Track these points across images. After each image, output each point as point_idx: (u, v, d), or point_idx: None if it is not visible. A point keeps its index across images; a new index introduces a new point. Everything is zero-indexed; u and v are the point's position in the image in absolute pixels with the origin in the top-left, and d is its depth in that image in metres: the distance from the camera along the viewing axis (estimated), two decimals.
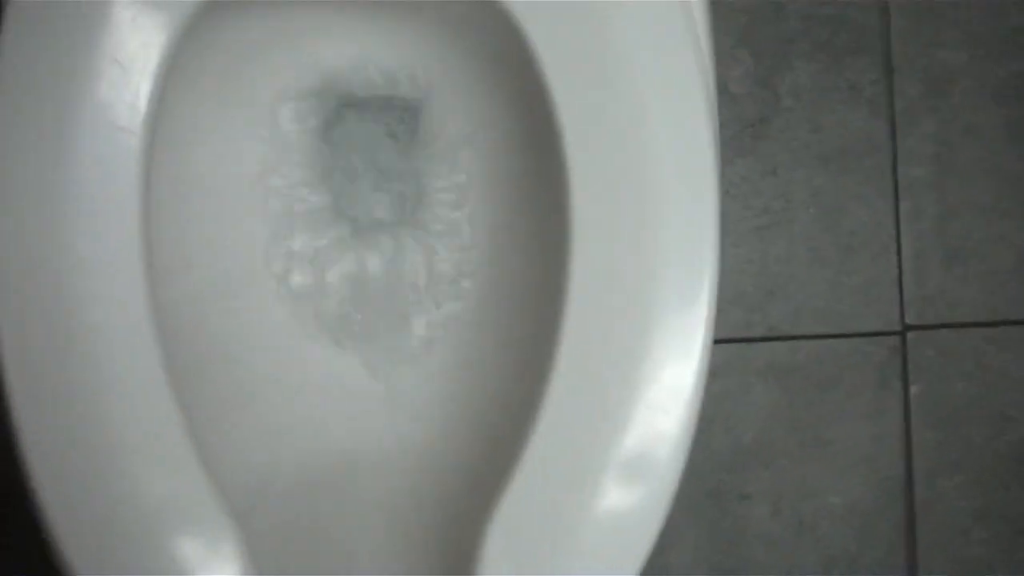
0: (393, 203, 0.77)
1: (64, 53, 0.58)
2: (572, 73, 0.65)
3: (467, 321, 0.74)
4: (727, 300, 1.03)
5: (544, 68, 0.64)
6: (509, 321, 0.72)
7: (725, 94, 1.03)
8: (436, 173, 0.76)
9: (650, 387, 0.65)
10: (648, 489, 0.65)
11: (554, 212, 0.67)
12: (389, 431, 0.75)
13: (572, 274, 0.65)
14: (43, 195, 0.58)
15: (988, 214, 1.05)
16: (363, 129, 0.77)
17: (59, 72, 0.58)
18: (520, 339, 0.71)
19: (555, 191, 0.66)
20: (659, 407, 0.65)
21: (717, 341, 1.00)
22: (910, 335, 1.04)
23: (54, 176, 0.58)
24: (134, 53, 0.58)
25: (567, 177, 0.65)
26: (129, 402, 0.60)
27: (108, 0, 0.58)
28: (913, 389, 1.05)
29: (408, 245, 0.76)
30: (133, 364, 0.60)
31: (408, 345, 0.75)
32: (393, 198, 0.77)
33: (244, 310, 0.72)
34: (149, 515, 0.60)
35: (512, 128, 0.72)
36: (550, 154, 0.66)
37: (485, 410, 0.73)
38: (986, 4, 1.06)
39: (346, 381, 0.75)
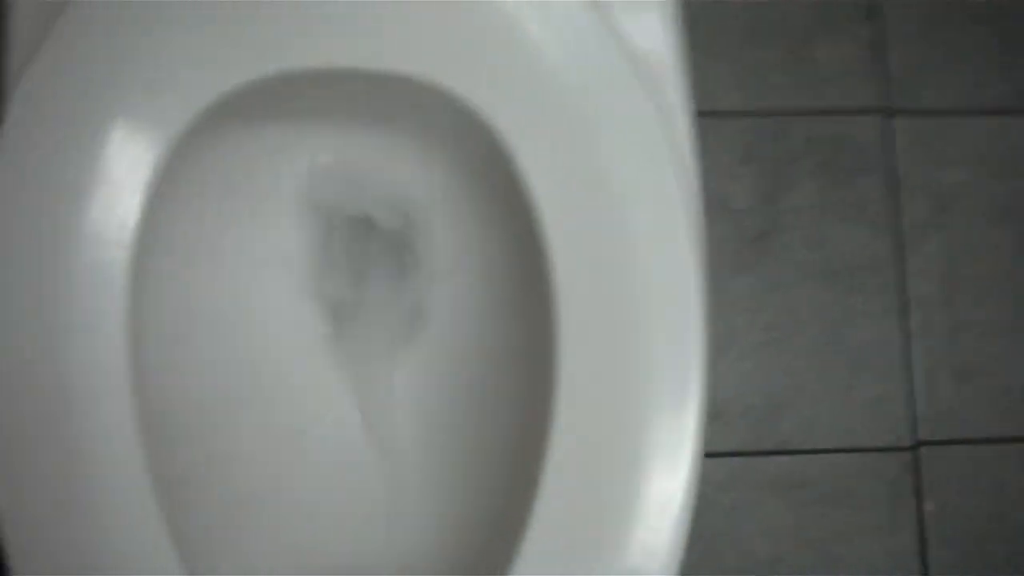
0: (388, 327, 0.79)
1: (59, 171, 0.61)
2: (557, 192, 0.67)
3: (454, 433, 0.75)
4: (735, 413, 1.03)
5: (530, 188, 0.66)
6: (494, 436, 0.73)
7: (727, 210, 1.05)
8: (427, 291, 0.78)
9: (638, 504, 0.66)
10: None
11: (542, 325, 0.68)
12: (386, 546, 0.75)
13: (558, 390, 0.66)
14: (36, 310, 0.61)
15: (998, 331, 1.05)
16: (356, 248, 0.80)
17: (54, 190, 0.61)
18: (506, 453, 0.72)
19: (542, 304, 0.68)
20: (648, 524, 0.66)
21: (723, 454, 1.00)
22: (923, 450, 1.03)
23: (47, 292, 0.61)
24: (124, 171, 0.61)
25: (554, 292, 0.67)
26: (116, 516, 0.62)
27: (100, 120, 0.61)
28: (927, 506, 1.03)
29: (403, 360, 0.78)
30: (121, 480, 0.62)
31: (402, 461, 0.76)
32: (388, 321, 0.79)
33: (238, 426, 0.73)
34: None
35: (500, 246, 0.74)
36: (537, 270, 0.68)
37: (472, 528, 0.73)
38: (988, 123, 1.07)
39: (345, 497, 0.77)
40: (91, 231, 0.60)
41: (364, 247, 0.80)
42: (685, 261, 0.67)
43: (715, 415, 1.02)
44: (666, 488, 0.66)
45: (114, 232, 0.60)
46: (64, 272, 0.60)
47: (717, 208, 1.05)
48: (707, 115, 1.03)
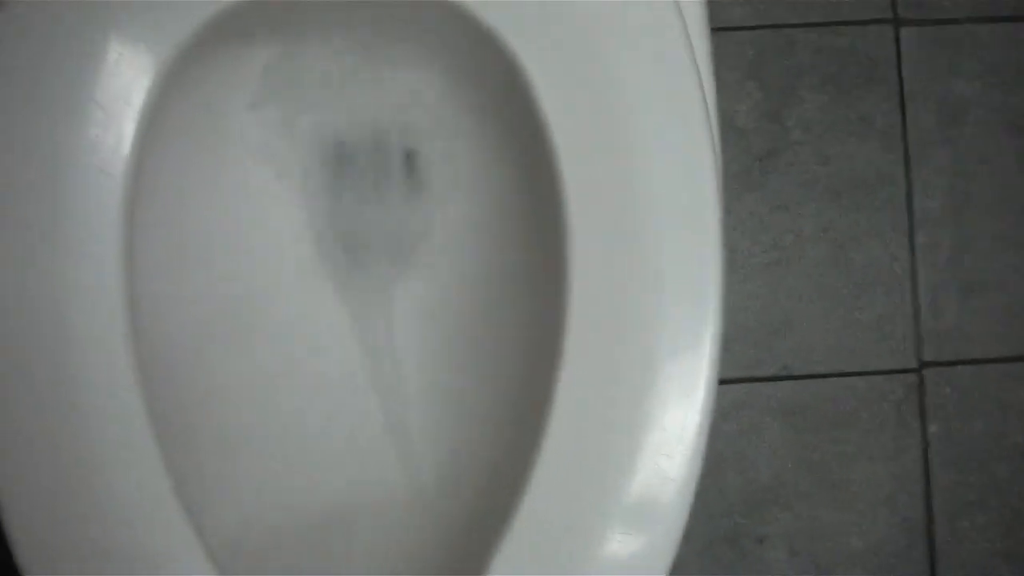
0: (391, 247, 0.76)
1: (53, 92, 0.56)
2: (570, 109, 0.64)
3: (462, 365, 0.72)
4: (735, 338, 1.00)
5: (543, 106, 0.62)
6: (506, 365, 0.70)
7: (733, 128, 1.02)
8: (435, 216, 0.74)
9: (653, 430, 0.63)
10: (652, 535, 0.63)
11: (552, 253, 0.65)
12: (393, 477, 0.73)
13: (570, 317, 0.63)
14: (31, 236, 0.57)
15: (1005, 246, 1.03)
16: (362, 175, 0.76)
17: (49, 112, 0.57)
18: (518, 383, 0.69)
19: (553, 231, 0.65)
20: (662, 451, 0.63)
21: (727, 381, 0.97)
22: (927, 372, 1.02)
23: (42, 217, 0.57)
24: (116, 96, 0.57)
25: (566, 217, 0.64)
26: (113, 450, 0.59)
27: (96, 39, 0.56)
28: (932, 427, 1.02)
29: (404, 290, 0.74)
30: (116, 411, 0.58)
31: (407, 390, 0.73)
32: (392, 242, 0.76)
33: (234, 354, 0.70)
34: (133, 566, 0.58)
35: (511, 167, 0.71)
36: (550, 195, 0.64)
37: (484, 455, 0.71)
38: (1000, 33, 1.04)
39: (350, 425, 0.74)
40: (83, 159, 0.56)
41: (366, 173, 0.76)
42: (704, 187, 0.64)
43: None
44: (681, 416, 0.63)
45: (108, 158, 0.56)
46: (57, 199, 0.56)
47: (722, 126, 1.01)
48: (713, 30, 0.99)
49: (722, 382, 0.97)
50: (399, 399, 0.73)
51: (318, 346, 0.73)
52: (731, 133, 1.01)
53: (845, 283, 1.01)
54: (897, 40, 1.03)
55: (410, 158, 0.75)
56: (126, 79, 0.58)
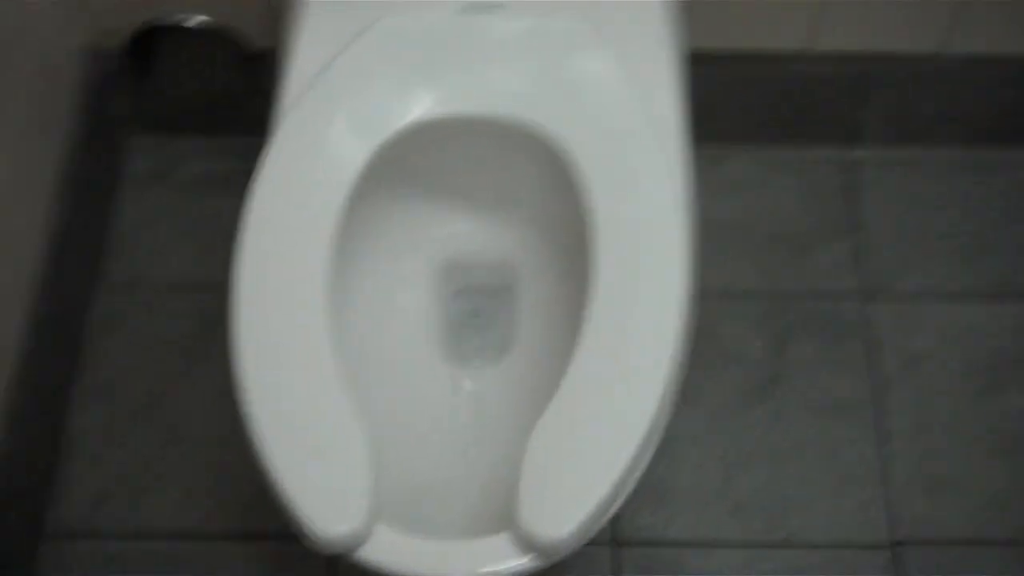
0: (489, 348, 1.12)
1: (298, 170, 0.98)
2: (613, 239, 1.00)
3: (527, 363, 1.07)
4: (751, 513, 1.29)
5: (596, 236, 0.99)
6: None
7: (745, 360, 1.37)
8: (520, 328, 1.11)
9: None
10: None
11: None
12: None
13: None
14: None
15: (963, 455, 1.32)
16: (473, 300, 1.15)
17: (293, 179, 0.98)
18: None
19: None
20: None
21: (740, 545, 1.26)
22: (899, 549, 1.28)
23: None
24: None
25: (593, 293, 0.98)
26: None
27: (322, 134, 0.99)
28: None
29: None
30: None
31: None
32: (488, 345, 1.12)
33: (385, 390, 1.05)
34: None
35: (569, 279, 1.07)
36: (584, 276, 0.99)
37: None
38: (949, 307, 1.40)
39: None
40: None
41: (472, 300, 1.14)
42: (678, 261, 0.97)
43: (734, 510, 1.28)
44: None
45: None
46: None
47: (736, 359, 1.37)
48: (731, 295, 1.39)
49: (734, 546, 1.26)
50: (478, 422, 1.05)
51: (438, 402, 1.08)
52: (744, 364, 1.36)
53: (833, 477, 1.31)
54: (868, 310, 1.39)
55: (509, 287, 1.14)
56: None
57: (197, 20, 1.31)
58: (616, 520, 1.23)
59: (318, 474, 0.88)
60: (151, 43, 1.33)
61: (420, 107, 1.02)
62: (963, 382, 1.37)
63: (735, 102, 1.44)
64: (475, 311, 1.15)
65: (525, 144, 1.03)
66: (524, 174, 1.08)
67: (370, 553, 0.87)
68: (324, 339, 0.93)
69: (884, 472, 1.32)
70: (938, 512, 1.30)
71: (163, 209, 1.43)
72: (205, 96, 1.40)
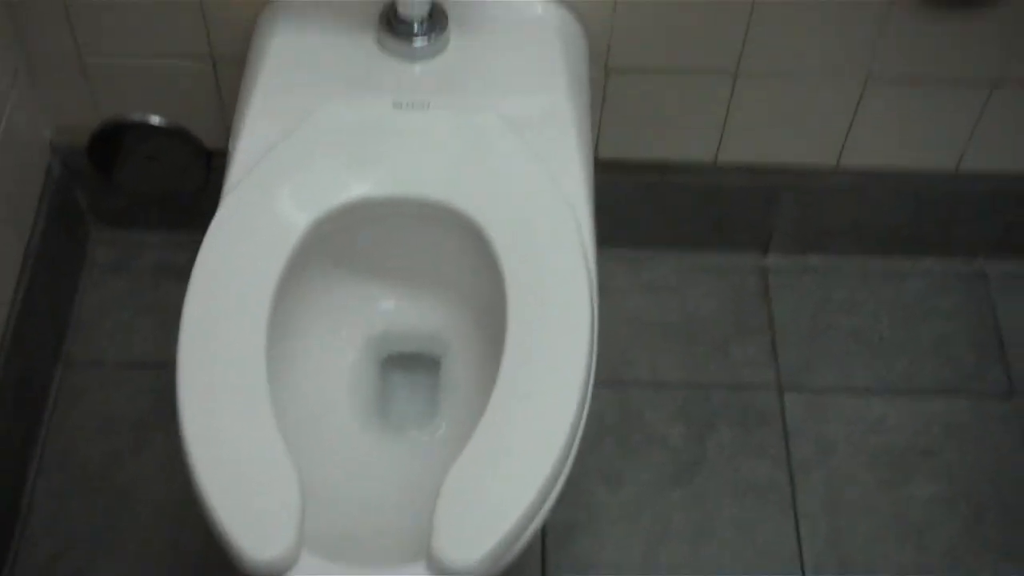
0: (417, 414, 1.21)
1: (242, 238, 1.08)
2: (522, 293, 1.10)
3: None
4: None
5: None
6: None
7: (667, 446, 1.45)
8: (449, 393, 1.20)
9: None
10: None
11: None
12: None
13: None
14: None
15: (871, 536, 1.40)
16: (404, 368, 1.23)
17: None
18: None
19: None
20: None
21: None
22: None
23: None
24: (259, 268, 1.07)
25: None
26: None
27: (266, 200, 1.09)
28: None
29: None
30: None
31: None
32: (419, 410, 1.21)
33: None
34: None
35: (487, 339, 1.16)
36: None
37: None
38: (855, 400, 1.49)
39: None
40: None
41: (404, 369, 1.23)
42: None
43: None
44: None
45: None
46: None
47: (659, 444, 1.45)
48: (654, 385, 1.49)
49: None
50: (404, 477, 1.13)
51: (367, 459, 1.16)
52: (665, 449, 1.45)
53: (749, 555, 1.39)
54: (783, 400, 1.49)
55: (438, 358, 1.23)
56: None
57: (156, 119, 1.42)
58: None
59: (250, 503, 0.95)
60: (112, 140, 1.44)
61: (357, 187, 1.13)
62: (870, 471, 1.46)
63: (652, 209, 1.56)
64: (405, 381, 1.24)
65: (450, 223, 1.13)
66: (451, 253, 1.18)
67: None
68: (261, 389, 1.01)
69: (798, 550, 1.40)
70: None
71: (122, 295, 1.53)
72: (163, 192, 1.50)
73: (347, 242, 1.17)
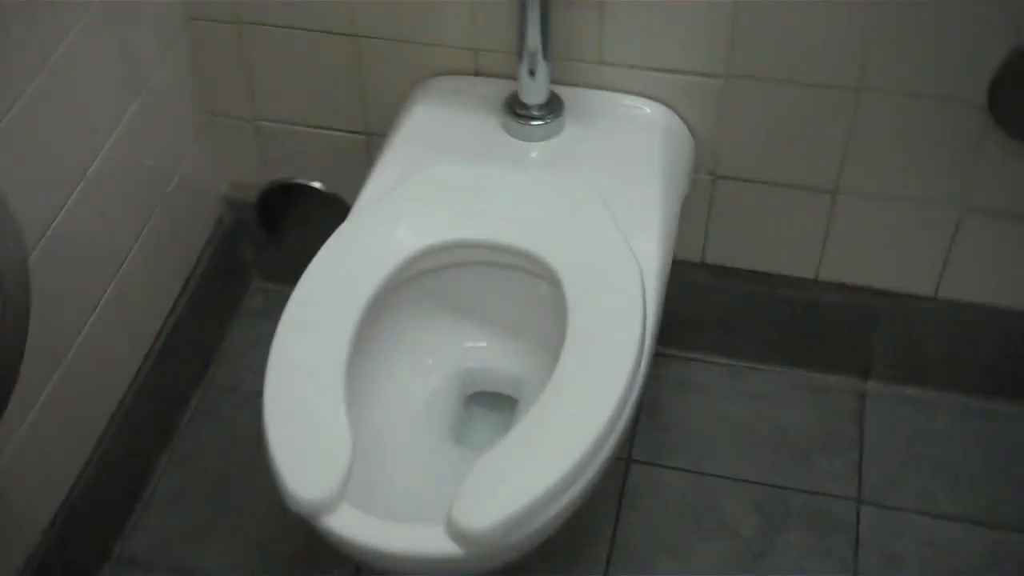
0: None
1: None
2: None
3: None
4: None
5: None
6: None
7: (737, 535, 1.52)
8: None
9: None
10: None
11: None
12: None
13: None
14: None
15: None
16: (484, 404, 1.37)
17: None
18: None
19: None
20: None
21: None
22: None
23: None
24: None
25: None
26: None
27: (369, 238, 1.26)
28: None
29: None
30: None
31: None
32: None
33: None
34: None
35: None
36: None
37: None
38: (940, 516, 1.52)
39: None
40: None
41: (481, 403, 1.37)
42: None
43: None
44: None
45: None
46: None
47: (730, 532, 1.52)
48: (736, 480, 1.58)
49: None
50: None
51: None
52: (739, 541, 1.51)
53: None
54: (857, 508, 1.53)
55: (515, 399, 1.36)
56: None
57: (317, 184, 1.64)
58: None
59: (306, 452, 1.10)
60: (278, 200, 1.66)
61: (456, 230, 1.30)
62: None
63: (756, 320, 1.66)
64: (485, 415, 1.37)
65: (534, 273, 1.29)
66: (534, 302, 1.33)
67: (332, 522, 1.07)
68: (338, 376, 1.17)
69: None
70: None
71: (268, 338, 1.71)
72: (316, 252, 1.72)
73: (443, 282, 1.34)
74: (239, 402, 1.66)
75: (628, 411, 1.17)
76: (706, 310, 1.66)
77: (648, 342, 1.22)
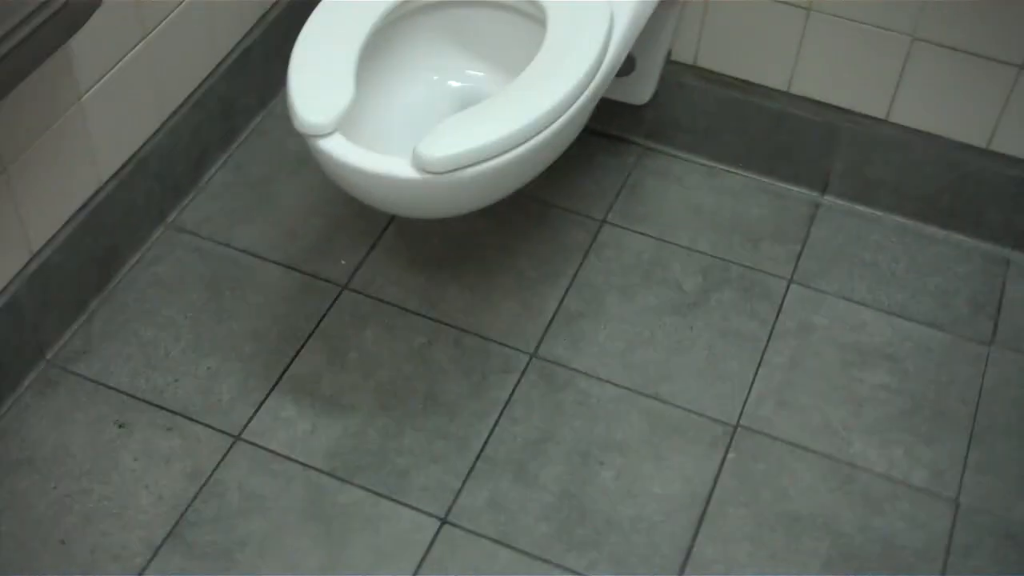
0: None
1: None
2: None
3: None
4: (635, 370, 1.69)
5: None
6: None
7: (680, 288, 1.79)
8: None
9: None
10: None
11: None
12: None
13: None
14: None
15: (813, 395, 1.68)
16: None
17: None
18: None
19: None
20: None
21: (621, 387, 1.66)
22: (738, 430, 1.64)
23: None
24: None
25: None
26: None
27: None
28: None
29: None
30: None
31: None
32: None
33: None
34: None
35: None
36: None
37: None
38: (861, 303, 1.78)
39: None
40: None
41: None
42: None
43: (626, 366, 1.68)
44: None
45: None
46: None
47: (674, 285, 1.80)
48: (691, 250, 1.84)
49: (618, 385, 1.67)
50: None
51: None
52: (677, 289, 1.79)
53: None
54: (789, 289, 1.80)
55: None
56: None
57: None
58: (539, 344, 1.69)
59: (317, 89, 1.42)
60: None
61: None
62: (837, 352, 1.75)
63: (733, 126, 1.93)
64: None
65: (529, 13, 1.59)
66: (531, 43, 1.62)
67: (325, 144, 1.38)
68: (357, 46, 1.49)
69: (750, 382, 1.70)
70: (776, 420, 1.66)
71: None
72: None
73: (454, 19, 1.65)
74: (291, 130, 1.98)
75: (580, 104, 1.47)
76: (694, 114, 1.93)
77: (611, 52, 1.51)
